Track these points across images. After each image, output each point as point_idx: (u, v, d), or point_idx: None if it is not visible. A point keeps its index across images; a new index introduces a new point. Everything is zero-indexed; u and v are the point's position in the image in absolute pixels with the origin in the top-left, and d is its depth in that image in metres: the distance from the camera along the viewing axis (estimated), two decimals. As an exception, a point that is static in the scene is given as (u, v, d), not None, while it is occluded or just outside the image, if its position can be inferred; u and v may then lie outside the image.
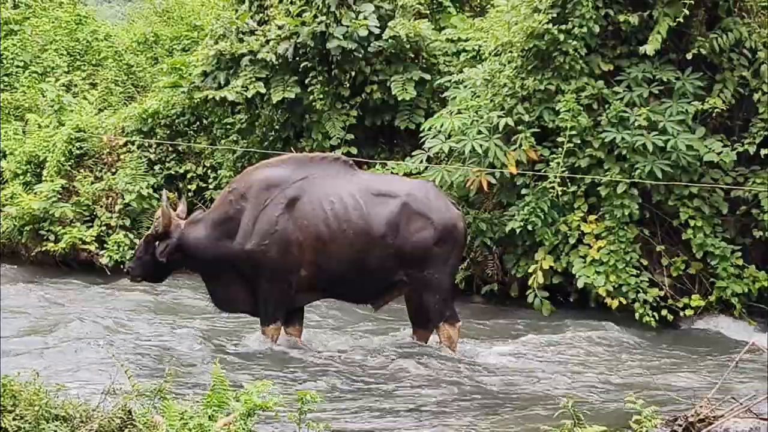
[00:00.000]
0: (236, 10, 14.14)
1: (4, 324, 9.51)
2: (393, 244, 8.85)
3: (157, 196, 14.18)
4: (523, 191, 11.38)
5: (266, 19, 13.70)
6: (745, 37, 11.03)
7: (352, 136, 13.30)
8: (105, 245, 14.16)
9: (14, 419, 4.92)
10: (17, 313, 10.49)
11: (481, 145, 11.19)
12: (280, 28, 13.27)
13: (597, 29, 11.14)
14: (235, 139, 14.58)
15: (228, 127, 14.78)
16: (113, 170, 14.78)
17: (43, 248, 14.30)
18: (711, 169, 11.06)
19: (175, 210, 9.43)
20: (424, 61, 13.39)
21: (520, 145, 11.23)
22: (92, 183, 14.68)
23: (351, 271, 8.91)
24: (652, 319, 10.83)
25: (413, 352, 9.00)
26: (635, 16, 11.05)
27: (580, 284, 11.09)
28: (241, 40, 13.52)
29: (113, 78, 17.60)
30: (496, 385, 8.21)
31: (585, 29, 11.07)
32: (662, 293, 11.07)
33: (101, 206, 14.54)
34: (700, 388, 7.48)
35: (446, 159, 11.95)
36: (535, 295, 11.24)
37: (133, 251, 12.92)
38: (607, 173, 11.09)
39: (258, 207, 8.95)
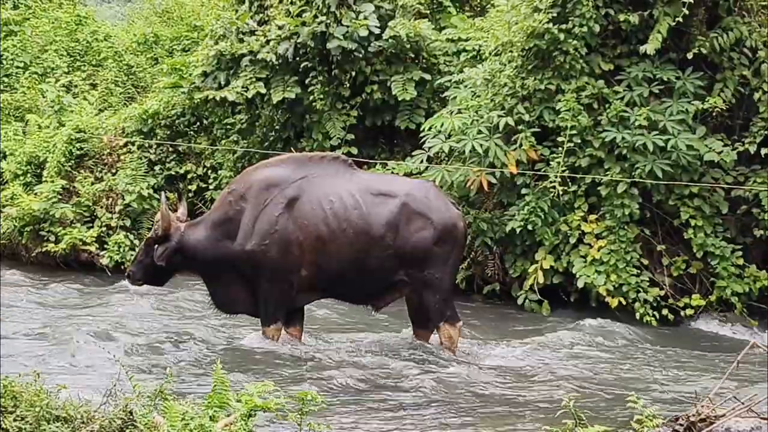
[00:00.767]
0: (236, 11, 14.15)
1: (4, 325, 9.51)
2: (393, 244, 8.84)
3: (157, 196, 14.18)
4: (524, 191, 11.39)
5: (266, 19, 13.71)
6: (745, 36, 11.03)
7: (353, 136, 13.31)
8: (105, 246, 14.17)
9: (15, 420, 4.92)
10: (17, 314, 10.48)
11: (481, 145, 11.19)
12: (280, 28, 13.27)
13: (597, 29, 11.15)
14: (235, 139, 14.59)
15: (228, 127, 14.78)
16: (113, 171, 14.78)
17: (44, 249, 14.30)
18: (711, 169, 11.06)
19: (175, 212, 9.42)
20: (424, 61, 13.39)
21: (521, 145, 11.24)
22: (92, 184, 14.68)
23: (351, 271, 8.90)
24: (652, 318, 10.84)
25: (414, 353, 9.00)
26: (635, 16, 11.05)
27: (580, 284, 11.10)
28: (241, 41, 13.52)
29: (113, 78, 17.59)
30: (496, 384, 8.20)
31: (585, 29, 11.07)
32: (663, 293, 11.07)
33: (101, 207, 14.55)
34: (701, 388, 7.47)
35: (446, 159, 11.95)
36: (526, 297, 11.26)
37: (133, 252, 12.94)
38: (608, 173, 11.10)
39: (258, 207, 8.94)
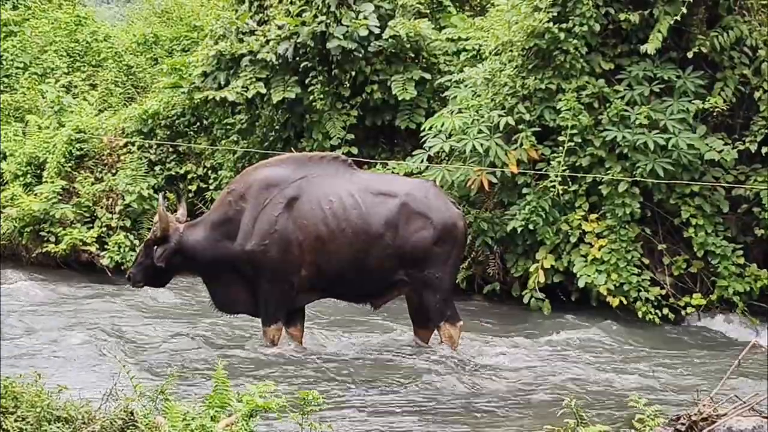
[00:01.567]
0: (236, 11, 14.15)
1: (4, 326, 9.50)
2: (392, 244, 8.83)
3: (157, 197, 14.16)
4: (524, 190, 11.38)
5: (266, 19, 13.70)
6: (745, 35, 11.03)
7: (353, 136, 13.30)
8: (105, 246, 14.15)
9: (16, 421, 4.91)
10: (18, 315, 10.47)
11: (481, 145, 11.18)
12: (280, 28, 13.26)
13: (597, 28, 11.14)
14: (235, 139, 14.58)
15: (228, 127, 14.77)
16: (113, 171, 14.77)
17: (44, 250, 14.30)
18: (712, 168, 11.06)
19: (174, 213, 9.41)
20: (424, 60, 13.38)
21: (521, 144, 11.23)
22: (92, 184, 14.67)
23: (351, 270, 8.90)
24: (654, 316, 10.83)
25: (414, 352, 9.00)
26: (636, 15, 11.05)
27: (581, 283, 11.08)
28: (241, 41, 13.51)
29: (113, 79, 17.59)
30: (497, 384, 8.20)
31: (585, 28, 11.07)
32: (663, 292, 11.06)
33: (102, 207, 14.54)
34: (703, 387, 7.46)
35: (447, 158, 11.94)
36: (531, 296, 11.25)
37: (133, 252, 12.93)
38: (609, 172, 11.09)
39: (257, 207, 8.93)
